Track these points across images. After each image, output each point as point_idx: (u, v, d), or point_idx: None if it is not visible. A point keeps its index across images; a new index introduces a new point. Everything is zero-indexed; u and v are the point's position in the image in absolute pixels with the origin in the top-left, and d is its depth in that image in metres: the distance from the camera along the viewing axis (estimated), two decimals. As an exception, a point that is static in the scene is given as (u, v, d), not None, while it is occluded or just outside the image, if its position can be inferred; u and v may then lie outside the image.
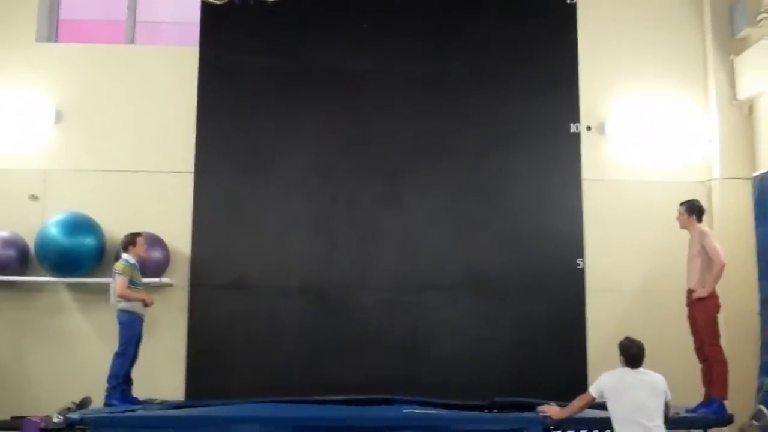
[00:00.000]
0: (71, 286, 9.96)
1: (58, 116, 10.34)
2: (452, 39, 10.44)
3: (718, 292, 8.43)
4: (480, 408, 8.15)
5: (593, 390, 7.21)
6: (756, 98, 10.17)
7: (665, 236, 9.38)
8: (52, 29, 10.95)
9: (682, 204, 8.71)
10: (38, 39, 10.64)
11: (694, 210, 8.62)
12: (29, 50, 10.54)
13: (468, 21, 10.49)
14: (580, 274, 9.91)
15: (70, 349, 9.90)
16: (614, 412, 7.03)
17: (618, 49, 10.64)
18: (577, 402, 7.39)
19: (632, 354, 7.13)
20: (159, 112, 10.38)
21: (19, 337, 9.92)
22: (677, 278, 8.73)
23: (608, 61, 10.59)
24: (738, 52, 10.33)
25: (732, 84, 10.38)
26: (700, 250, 8.39)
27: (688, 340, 8.47)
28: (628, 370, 7.14)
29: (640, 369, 7.14)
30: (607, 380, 7.15)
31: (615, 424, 7.02)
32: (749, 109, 10.31)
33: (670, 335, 9.14)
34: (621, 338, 7.44)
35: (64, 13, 11.11)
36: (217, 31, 10.33)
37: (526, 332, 9.77)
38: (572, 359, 9.59)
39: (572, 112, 10.32)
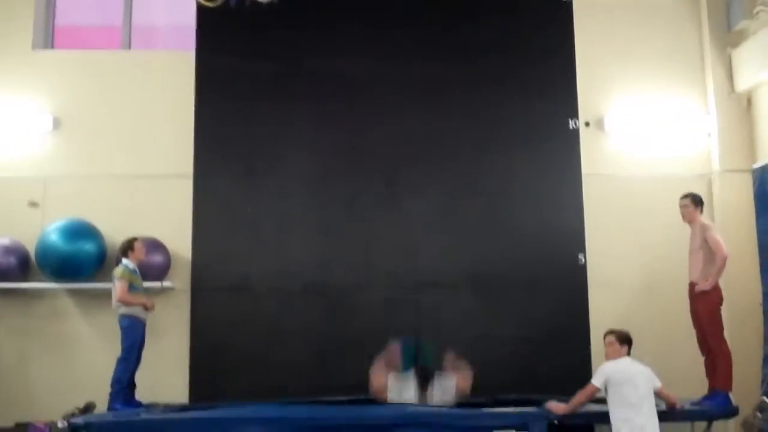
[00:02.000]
0: (72, 292, 9.95)
1: (56, 123, 10.34)
2: (448, 38, 10.43)
3: (721, 284, 8.44)
4: (482, 406, 8.14)
5: (597, 381, 7.30)
6: (754, 90, 10.18)
7: (666, 230, 9.40)
8: (48, 36, 10.95)
9: (685, 197, 8.70)
10: (35, 46, 10.64)
11: (699, 202, 8.63)
12: (26, 57, 10.54)
13: (464, 20, 10.47)
14: (582, 269, 9.88)
15: (72, 355, 9.89)
16: (616, 399, 7.18)
17: (615, 44, 10.63)
18: (581, 395, 7.44)
19: (630, 341, 7.49)
20: (157, 116, 10.38)
21: (22, 344, 9.91)
22: (679, 272, 8.74)
23: (605, 57, 10.58)
24: (735, 45, 10.33)
25: (730, 77, 10.39)
26: (701, 244, 8.40)
27: (692, 333, 8.48)
28: (627, 358, 7.40)
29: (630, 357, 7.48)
30: (610, 370, 7.29)
31: (615, 410, 7.19)
32: (747, 101, 10.31)
33: (673, 328, 9.19)
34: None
35: (60, 20, 11.09)
36: (213, 34, 10.30)
37: (529, 329, 9.74)
38: (575, 356, 9.55)
39: (570, 108, 10.29)
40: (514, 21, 10.49)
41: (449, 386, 8.57)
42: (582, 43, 10.45)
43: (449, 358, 8.77)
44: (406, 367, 8.76)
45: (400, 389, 8.53)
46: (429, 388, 8.55)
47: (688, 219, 8.63)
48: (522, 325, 9.79)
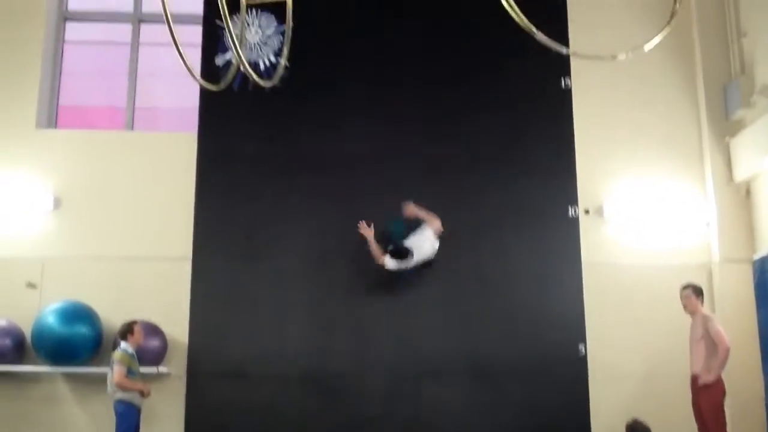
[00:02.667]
0: (67, 376, 9.82)
1: (57, 202, 10.33)
2: (448, 123, 10.47)
3: (723, 377, 8.36)
4: None
5: None
6: (753, 180, 10.21)
7: (667, 320, 9.34)
8: (52, 115, 11.02)
9: (686, 287, 8.68)
10: (38, 125, 10.68)
11: (700, 293, 8.60)
12: (29, 136, 10.57)
13: (464, 104, 10.54)
14: (583, 359, 9.76)
15: (65, 440, 9.74)
16: None
17: (614, 132, 10.71)
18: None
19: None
20: (158, 198, 10.38)
21: (15, 428, 9.72)
22: (681, 363, 8.71)
23: (604, 144, 10.64)
24: (733, 134, 10.40)
25: (728, 166, 10.42)
26: (703, 335, 8.36)
27: (695, 427, 8.37)
28: None
29: None
30: None
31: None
32: (746, 191, 10.33)
33: (676, 421, 9.04)
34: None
35: (65, 100, 11.19)
36: (215, 117, 10.36)
37: (529, 420, 9.59)
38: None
39: (570, 195, 10.29)
40: (514, 106, 10.53)
41: (426, 239, 9.48)
42: (581, 130, 10.49)
43: (409, 207, 9.64)
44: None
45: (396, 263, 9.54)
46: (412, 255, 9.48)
47: (691, 310, 8.61)
48: (522, 415, 9.64)
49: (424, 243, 9.56)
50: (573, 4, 10.72)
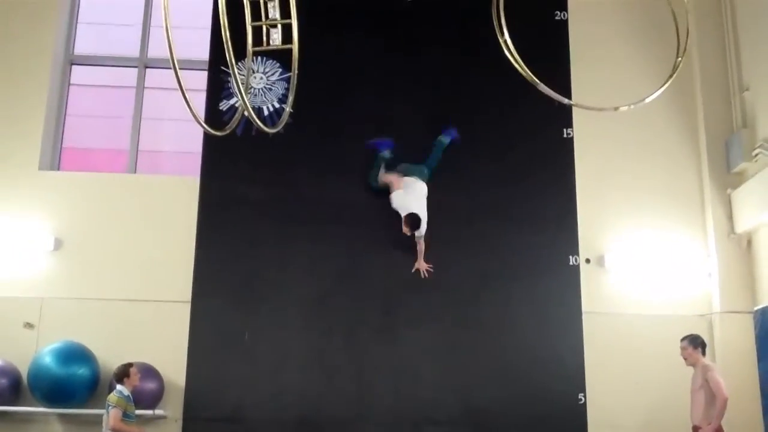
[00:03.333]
0: (64, 417, 9.74)
1: (57, 244, 10.33)
2: (449, 171, 10.45)
3: (724, 428, 8.31)
4: None
5: None
6: (754, 232, 10.22)
7: (667, 370, 9.28)
8: (55, 157, 11.07)
9: (683, 339, 8.66)
10: (41, 167, 10.72)
11: (698, 343, 8.58)
12: (32, 178, 10.60)
13: (466, 152, 10.56)
14: (582, 408, 9.70)
15: (60, 484, 9.65)
16: None
17: (616, 181, 10.74)
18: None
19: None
20: (158, 241, 10.38)
21: (10, 469, 9.67)
22: (680, 413, 8.63)
23: (606, 194, 10.67)
24: (735, 186, 10.43)
25: (730, 217, 10.43)
26: (702, 384, 8.31)
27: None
28: None
29: None
30: None
31: None
32: (748, 242, 10.34)
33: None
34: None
35: (68, 142, 11.25)
36: (218, 161, 10.41)
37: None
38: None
39: (571, 244, 10.31)
40: (516, 154, 10.58)
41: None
42: (583, 179, 10.54)
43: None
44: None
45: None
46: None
47: (691, 362, 8.58)
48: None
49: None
50: (576, 56, 10.81)
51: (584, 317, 10.07)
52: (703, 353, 8.60)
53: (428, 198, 10.09)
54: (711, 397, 8.23)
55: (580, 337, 9.98)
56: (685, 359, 8.61)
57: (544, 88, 5.01)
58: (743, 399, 9.51)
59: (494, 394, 9.80)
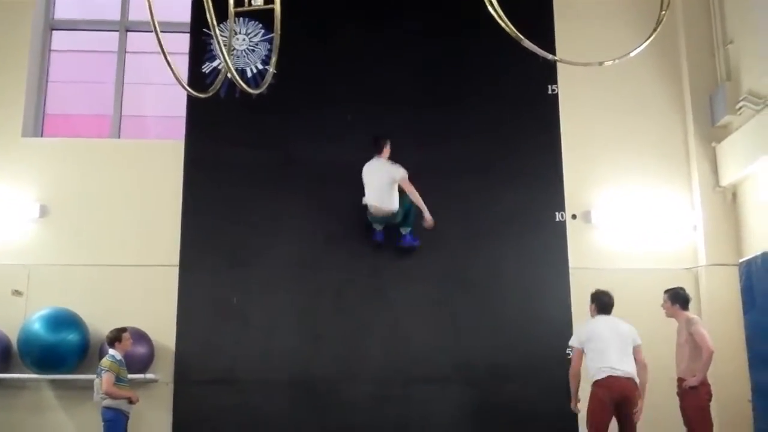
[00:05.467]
0: (54, 383, 9.79)
1: (43, 210, 10.30)
2: (434, 129, 10.49)
3: (710, 380, 8.39)
4: None
5: (574, 342, 8.27)
6: (738, 184, 10.28)
7: (654, 324, 9.30)
8: (38, 124, 10.99)
9: (665, 292, 8.73)
10: (24, 134, 10.66)
11: (678, 298, 8.63)
12: (15, 145, 10.55)
13: (450, 110, 10.57)
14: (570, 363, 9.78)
15: (52, 448, 9.69)
16: (588, 356, 8.06)
17: (601, 137, 10.75)
18: (572, 377, 8.35)
19: (604, 302, 8.37)
20: (144, 205, 10.37)
21: (1, 437, 9.71)
22: (667, 366, 8.68)
23: (591, 150, 10.68)
24: (719, 140, 10.45)
25: (715, 171, 10.48)
26: (687, 338, 8.36)
27: (682, 429, 8.39)
28: (599, 317, 8.29)
29: (611, 316, 8.29)
30: (582, 329, 8.36)
31: (590, 367, 8.04)
32: (733, 195, 10.40)
33: (663, 424, 9.03)
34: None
35: (51, 109, 11.16)
36: (202, 124, 10.36)
37: (517, 424, 9.64)
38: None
39: (557, 200, 10.33)
40: (501, 112, 10.57)
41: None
42: (568, 136, 10.54)
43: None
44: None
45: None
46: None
47: (668, 315, 8.66)
48: (510, 418, 9.67)
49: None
50: (559, 12, 10.77)
51: (571, 273, 10.14)
52: (685, 307, 8.64)
53: (412, 157, 10.08)
54: (696, 350, 8.28)
55: (567, 293, 10.05)
56: (665, 312, 8.71)
57: (528, 44, 4.97)
58: (729, 351, 9.61)
59: (483, 351, 9.88)
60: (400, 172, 9.65)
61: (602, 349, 8.04)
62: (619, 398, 7.94)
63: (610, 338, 8.07)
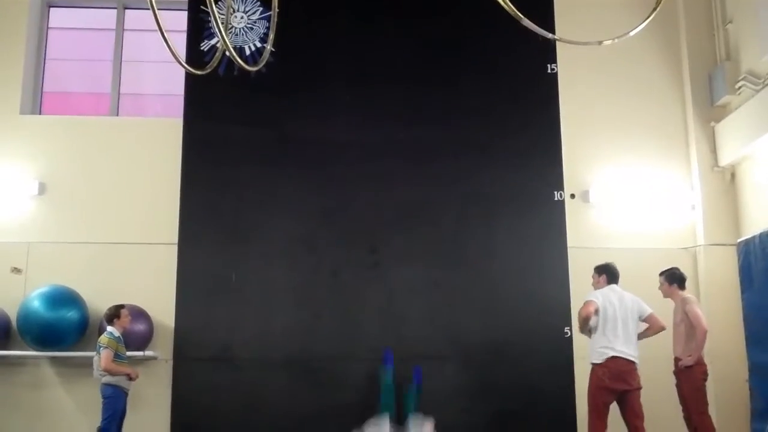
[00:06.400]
0: (53, 360, 9.82)
1: (42, 188, 10.30)
2: (433, 108, 10.49)
3: (706, 359, 8.42)
4: None
5: (596, 298, 8.16)
6: (737, 164, 10.28)
7: (651, 303, 9.33)
8: (36, 102, 10.97)
9: (661, 274, 8.76)
10: (22, 111, 10.64)
11: (674, 279, 8.67)
12: (13, 122, 10.54)
13: (448, 89, 10.56)
14: (568, 342, 9.80)
15: (52, 425, 9.73)
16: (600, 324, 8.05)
17: (600, 117, 10.74)
18: (580, 323, 8.27)
19: (614, 271, 8.43)
20: (143, 183, 10.38)
21: (1, 413, 9.72)
22: (664, 345, 8.71)
23: (590, 129, 10.67)
24: (718, 120, 10.45)
25: (713, 151, 10.48)
26: (683, 318, 8.41)
27: (678, 409, 8.43)
28: (609, 288, 8.22)
29: (618, 287, 8.34)
30: (596, 294, 8.26)
31: (592, 345, 8.12)
32: (731, 175, 10.40)
33: (660, 404, 9.07)
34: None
35: (49, 86, 11.14)
36: (201, 102, 10.35)
37: (514, 402, 9.68)
38: (561, 430, 9.45)
39: (556, 179, 10.34)
40: (500, 91, 10.57)
41: None
42: (567, 115, 10.53)
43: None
44: (384, 407, 9.06)
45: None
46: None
47: (666, 295, 8.70)
48: (508, 396, 9.73)
49: None
50: (559, -11, 10.72)
51: (569, 252, 10.16)
52: (682, 287, 8.68)
53: (411, 136, 10.10)
54: (691, 329, 8.32)
55: (565, 272, 10.07)
56: (662, 293, 8.75)
57: (527, 22, 4.95)
58: (727, 330, 9.68)
59: (481, 330, 9.92)
60: None
61: (608, 326, 8.07)
62: (619, 380, 7.98)
63: (618, 314, 8.11)
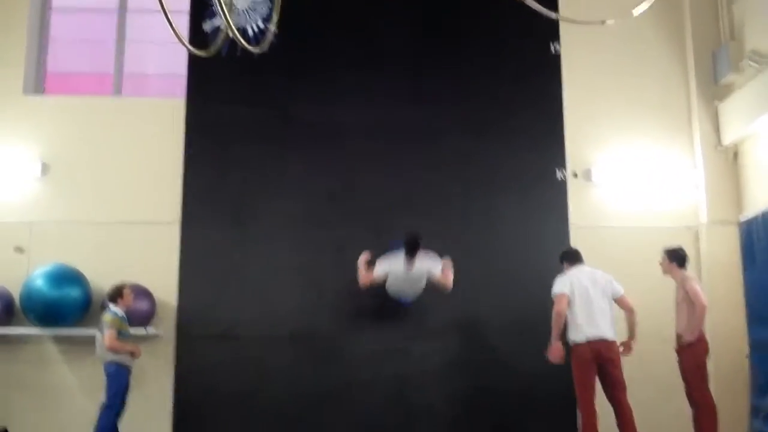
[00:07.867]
0: (57, 339, 9.87)
1: (45, 168, 10.32)
2: (436, 88, 10.51)
3: (708, 336, 8.46)
4: None
5: (563, 289, 8.34)
6: (740, 143, 10.27)
7: (654, 281, 9.35)
8: (39, 82, 10.97)
9: (665, 251, 8.78)
10: (25, 91, 10.66)
11: (674, 257, 8.70)
12: (17, 103, 10.56)
13: (452, 69, 10.57)
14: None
15: (56, 402, 9.80)
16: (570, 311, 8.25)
17: (603, 96, 10.72)
18: (558, 316, 8.33)
19: (573, 253, 8.77)
20: (146, 163, 10.39)
21: (4, 391, 9.81)
22: (667, 323, 8.75)
23: (593, 108, 10.65)
24: (722, 98, 10.42)
25: (716, 130, 10.46)
26: (684, 295, 8.44)
27: (680, 386, 8.48)
28: (576, 268, 8.53)
29: (586, 266, 8.56)
30: (564, 279, 8.45)
31: (570, 327, 8.29)
32: (734, 154, 10.39)
33: (662, 381, 9.16)
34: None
35: (52, 66, 11.13)
36: (203, 83, 10.35)
37: (516, 380, 9.73)
38: (563, 407, 9.49)
39: (558, 158, 10.36)
40: (503, 70, 10.58)
41: (434, 268, 9.27)
42: (570, 94, 10.54)
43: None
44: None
45: (389, 263, 9.22)
46: (415, 260, 9.15)
47: (665, 272, 8.75)
48: (509, 374, 9.77)
49: (432, 269, 9.31)
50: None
51: (572, 230, 10.20)
52: (683, 266, 8.70)
53: (414, 116, 10.15)
54: (693, 307, 8.36)
55: (567, 250, 10.06)
56: (662, 268, 8.80)
57: (531, 2, 4.96)
58: (729, 308, 9.74)
59: (483, 308, 9.97)
60: (437, 268, 9.35)
61: (583, 308, 8.29)
62: (599, 359, 8.21)
63: (591, 294, 8.32)
